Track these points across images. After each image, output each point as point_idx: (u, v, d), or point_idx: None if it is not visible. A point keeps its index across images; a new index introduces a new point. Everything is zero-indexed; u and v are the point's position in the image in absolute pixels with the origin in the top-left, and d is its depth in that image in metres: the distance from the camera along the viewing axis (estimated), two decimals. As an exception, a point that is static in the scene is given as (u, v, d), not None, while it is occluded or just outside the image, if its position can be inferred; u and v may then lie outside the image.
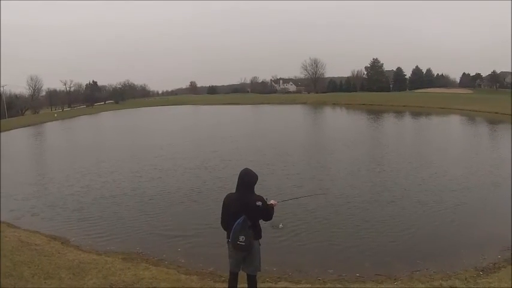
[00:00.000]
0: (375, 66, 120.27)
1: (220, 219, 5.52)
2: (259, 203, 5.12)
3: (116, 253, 8.92)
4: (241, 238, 4.99)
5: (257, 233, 5.25)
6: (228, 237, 5.22)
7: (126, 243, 9.77)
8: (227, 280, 6.76)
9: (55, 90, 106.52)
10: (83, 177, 17.87)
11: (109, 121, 60.68)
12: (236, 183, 5.31)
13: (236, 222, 5.02)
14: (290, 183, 15.49)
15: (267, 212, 5.26)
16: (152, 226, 11.09)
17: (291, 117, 53.45)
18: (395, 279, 7.48)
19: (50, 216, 12.29)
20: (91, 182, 16.72)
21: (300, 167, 18.75)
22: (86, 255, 8.54)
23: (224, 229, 5.40)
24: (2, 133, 43.96)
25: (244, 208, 5.08)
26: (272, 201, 5.52)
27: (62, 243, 9.59)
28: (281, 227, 10.51)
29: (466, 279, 7.23)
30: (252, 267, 5.31)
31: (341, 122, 46.91)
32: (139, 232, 10.62)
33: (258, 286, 5.65)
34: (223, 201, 5.38)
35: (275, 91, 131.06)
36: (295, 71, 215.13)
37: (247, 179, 5.23)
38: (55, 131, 49.55)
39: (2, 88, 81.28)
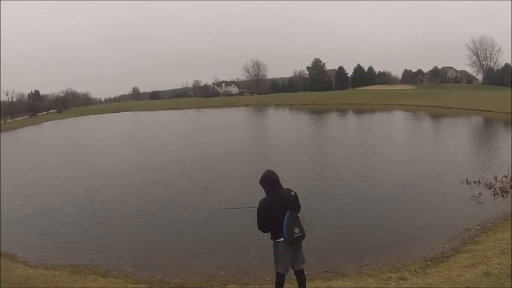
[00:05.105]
0: (317, 66, 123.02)
1: (258, 226, 5.62)
2: (293, 193, 5.61)
3: (63, 266, 9.01)
4: (296, 230, 5.35)
5: None
6: (277, 237, 5.50)
7: (73, 255, 9.74)
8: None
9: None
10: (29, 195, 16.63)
11: (52, 132, 56.98)
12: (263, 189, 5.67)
13: (285, 219, 5.34)
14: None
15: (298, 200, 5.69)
16: (99, 237, 11.02)
17: (234, 121, 52.77)
18: (343, 275, 7.61)
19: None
20: (37, 196, 16.15)
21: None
22: (33, 270, 8.68)
23: (265, 231, 5.63)
24: None
25: (287, 202, 5.47)
26: None
27: (10, 259, 9.65)
28: None
29: (415, 270, 7.47)
30: (299, 261, 5.68)
31: (284, 123, 47.52)
32: (87, 244, 10.49)
33: None
34: (260, 208, 5.53)
35: (217, 94, 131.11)
36: (237, 74, 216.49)
37: (273, 178, 5.63)
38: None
39: None
